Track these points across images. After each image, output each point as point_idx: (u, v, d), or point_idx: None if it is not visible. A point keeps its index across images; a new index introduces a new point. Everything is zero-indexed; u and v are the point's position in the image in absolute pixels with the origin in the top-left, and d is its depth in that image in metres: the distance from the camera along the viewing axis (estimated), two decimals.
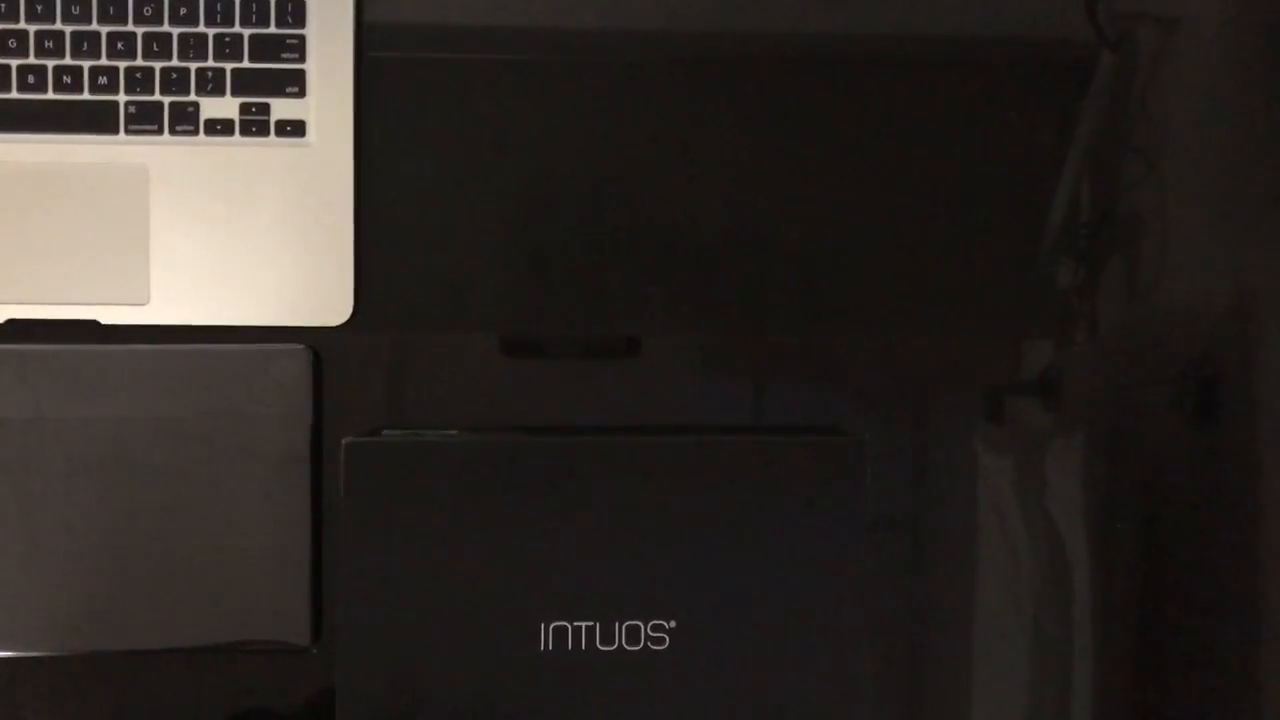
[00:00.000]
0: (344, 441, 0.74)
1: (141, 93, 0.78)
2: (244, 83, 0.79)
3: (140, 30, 0.78)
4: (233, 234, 0.79)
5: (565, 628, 0.74)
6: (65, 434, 0.78)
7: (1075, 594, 0.81)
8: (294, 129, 0.79)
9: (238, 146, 0.79)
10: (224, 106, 0.79)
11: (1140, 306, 0.82)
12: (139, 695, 0.79)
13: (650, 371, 0.81)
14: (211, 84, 0.79)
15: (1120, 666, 0.82)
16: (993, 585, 0.81)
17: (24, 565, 0.77)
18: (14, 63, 0.78)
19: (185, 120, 0.79)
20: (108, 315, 0.78)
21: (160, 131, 0.79)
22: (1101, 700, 0.81)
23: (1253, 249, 0.83)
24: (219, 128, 0.79)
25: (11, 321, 0.78)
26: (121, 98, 0.78)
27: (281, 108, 0.79)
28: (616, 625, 0.75)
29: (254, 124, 0.79)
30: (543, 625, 0.74)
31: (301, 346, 0.79)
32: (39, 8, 0.78)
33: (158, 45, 0.78)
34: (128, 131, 0.79)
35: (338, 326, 0.79)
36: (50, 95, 0.78)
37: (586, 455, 0.76)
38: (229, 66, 0.79)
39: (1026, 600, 0.81)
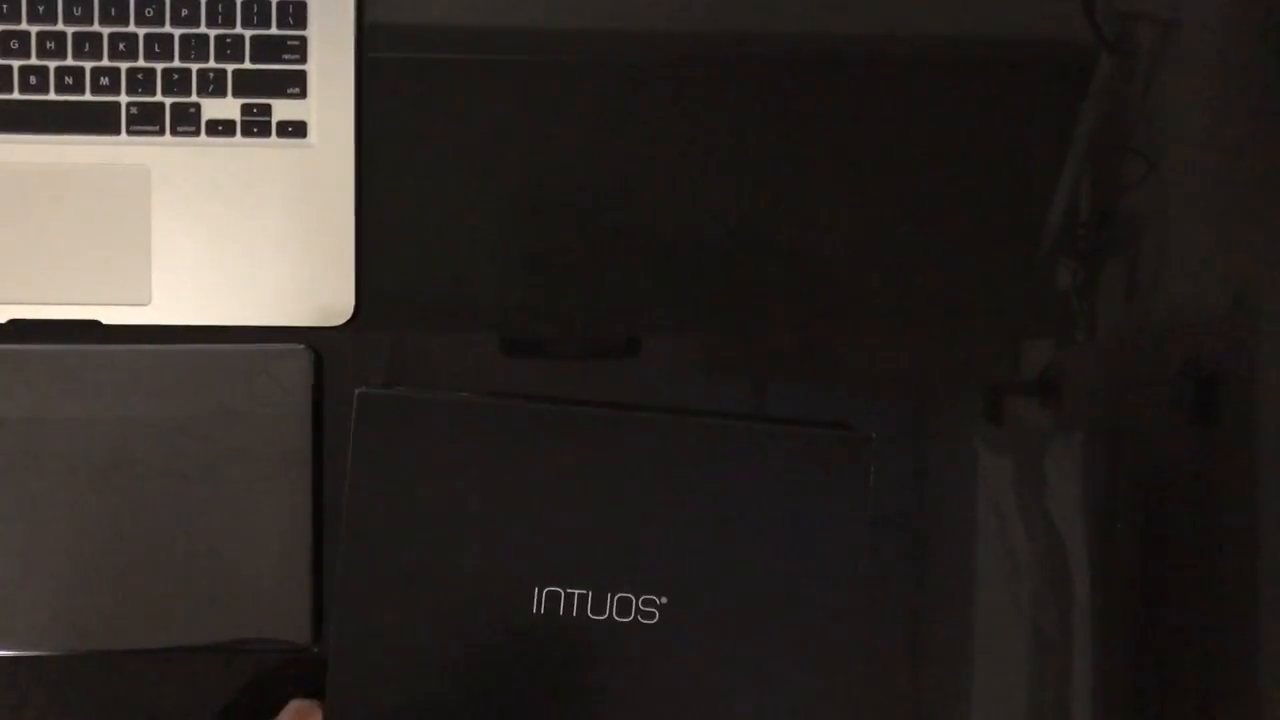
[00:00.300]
0: (357, 391, 0.75)
1: (143, 93, 0.79)
2: (245, 84, 0.79)
3: (142, 31, 0.78)
4: (234, 234, 0.79)
5: (558, 593, 0.75)
6: (66, 434, 0.78)
7: (1075, 594, 0.81)
8: (295, 130, 0.79)
9: (239, 147, 0.79)
10: (225, 107, 0.79)
11: (1140, 306, 0.82)
12: (139, 695, 0.79)
13: (650, 371, 0.81)
14: (213, 85, 0.79)
15: (1120, 666, 0.81)
16: (992, 585, 0.81)
17: (25, 565, 0.77)
18: (16, 63, 0.78)
19: (187, 121, 0.79)
20: (109, 315, 0.79)
21: (162, 132, 0.79)
22: (1101, 700, 0.81)
23: (1253, 249, 0.83)
24: (220, 128, 0.79)
25: (13, 321, 0.78)
26: (123, 98, 0.79)
27: (283, 108, 0.79)
28: (609, 596, 0.75)
29: (255, 125, 0.79)
30: (536, 589, 0.75)
31: (302, 346, 0.79)
32: (41, 9, 0.78)
33: (159, 46, 0.79)
34: (129, 132, 0.79)
35: (338, 326, 0.79)
36: (52, 96, 0.78)
37: (596, 426, 0.76)
38: (230, 67, 0.79)
39: (1026, 600, 0.81)
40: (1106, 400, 0.82)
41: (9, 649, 0.78)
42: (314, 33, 0.79)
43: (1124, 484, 0.82)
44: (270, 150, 0.79)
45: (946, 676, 0.81)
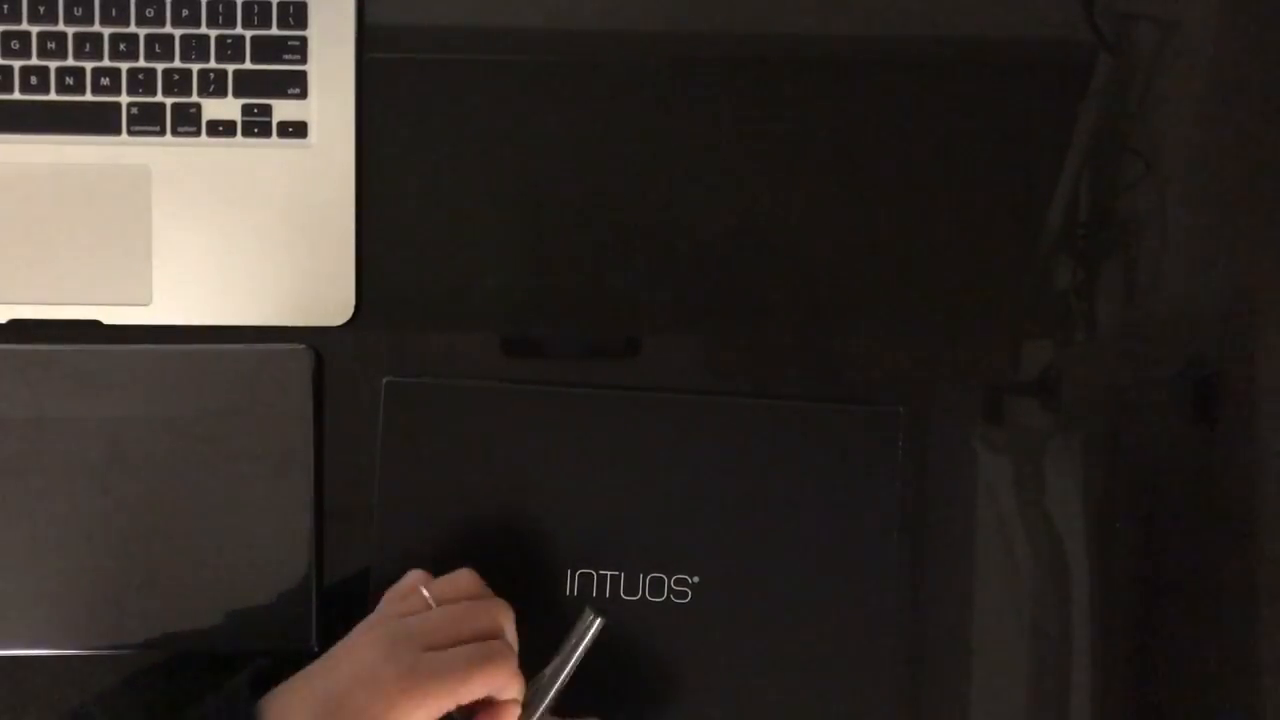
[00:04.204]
0: (384, 380, 0.75)
1: (144, 94, 0.79)
2: (246, 84, 0.79)
3: (142, 32, 0.79)
4: (234, 234, 0.79)
5: (591, 575, 0.76)
6: (67, 434, 0.78)
7: (1074, 594, 0.81)
8: (296, 130, 0.79)
9: (240, 147, 0.79)
10: (226, 108, 0.79)
11: (1140, 306, 0.82)
12: (139, 695, 0.79)
13: (650, 372, 0.81)
14: (213, 85, 0.79)
15: (1120, 666, 0.81)
16: (992, 585, 0.81)
17: (26, 564, 0.78)
18: (16, 64, 0.78)
19: (187, 121, 0.79)
20: (110, 315, 0.79)
21: (162, 132, 0.79)
22: (1101, 700, 0.81)
23: (1253, 249, 0.83)
24: (221, 129, 0.79)
25: (14, 321, 0.78)
26: (124, 99, 0.79)
27: (283, 109, 0.79)
28: (641, 576, 0.76)
29: (256, 125, 0.79)
30: (569, 571, 0.76)
31: (303, 346, 0.79)
32: (41, 9, 0.78)
33: (160, 47, 0.79)
34: (130, 132, 0.79)
35: (339, 326, 0.79)
36: (53, 96, 0.78)
37: (622, 409, 0.77)
38: (231, 68, 0.79)
39: (1026, 600, 0.81)
40: (1106, 400, 0.82)
41: (10, 648, 0.78)
42: (314, 33, 0.79)
43: (1124, 484, 0.82)
44: (270, 150, 0.79)
45: (946, 676, 0.81)
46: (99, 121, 0.79)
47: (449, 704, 0.64)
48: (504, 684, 0.66)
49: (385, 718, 0.63)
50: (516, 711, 0.67)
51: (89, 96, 0.78)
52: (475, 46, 0.81)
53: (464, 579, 0.69)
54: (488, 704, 0.66)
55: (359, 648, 0.66)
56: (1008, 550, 0.81)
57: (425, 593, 0.68)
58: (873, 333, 0.82)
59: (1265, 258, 0.82)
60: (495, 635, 0.67)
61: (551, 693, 0.69)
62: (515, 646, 0.67)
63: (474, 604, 0.68)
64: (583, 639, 0.70)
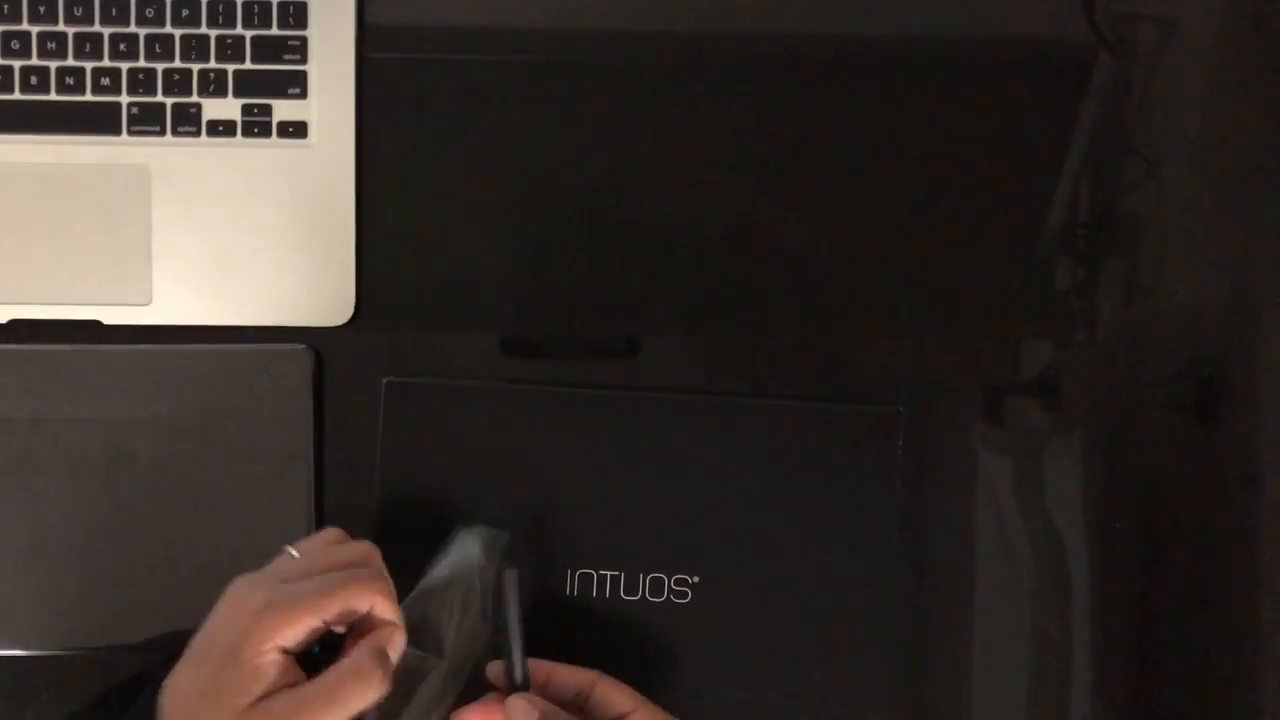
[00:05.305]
0: (384, 380, 0.76)
1: (144, 94, 0.79)
2: (246, 84, 0.79)
3: (142, 32, 0.79)
4: (235, 234, 0.79)
5: (591, 575, 0.76)
6: (67, 434, 0.78)
7: (1074, 594, 0.81)
8: (296, 130, 0.79)
9: (240, 147, 0.79)
10: (226, 108, 0.79)
11: (1140, 306, 0.82)
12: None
13: (650, 372, 0.81)
14: (214, 85, 0.79)
15: (1120, 666, 0.81)
16: (992, 585, 0.81)
17: (26, 564, 0.78)
18: (17, 64, 0.78)
19: (187, 121, 0.79)
20: (110, 316, 0.79)
21: (162, 132, 0.79)
22: (1101, 700, 0.81)
23: (1253, 249, 0.83)
24: (221, 129, 0.79)
25: (13, 321, 0.78)
26: (124, 99, 0.79)
27: (283, 109, 0.79)
28: (641, 576, 0.76)
29: (256, 125, 0.79)
30: (569, 571, 0.76)
31: (302, 346, 0.79)
32: (42, 9, 0.78)
33: (160, 47, 0.79)
34: (130, 132, 0.79)
35: (339, 326, 0.79)
36: (53, 96, 0.78)
37: (621, 409, 0.77)
38: (231, 68, 0.79)
39: (1026, 600, 0.81)
40: (1106, 400, 0.82)
41: (11, 647, 0.78)
42: (314, 33, 0.79)
43: (1124, 484, 0.82)
44: (270, 150, 0.79)
45: (946, 676, 0.81)
46: (99, 121, 0.79)
47: (313, 620, 0.63)
48: (373, 601, 0.65)
49: (250, 638, 0.62)
50: (398, 635, 0.65)
51: (89, 96, 0.79)
52: (475, 46, 0.81)
53: (327, 533, 0.70)
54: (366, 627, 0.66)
55: (223, 597, 0.66)
56: (1008, 550, 0.81)
57: (290, 548, 0.68)
58: (873, 333, 0.82)
59: (1265, 258, 0.82)
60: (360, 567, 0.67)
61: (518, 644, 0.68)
62: (386, 576, 0.66)
63: (336, 544, 0.68)
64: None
